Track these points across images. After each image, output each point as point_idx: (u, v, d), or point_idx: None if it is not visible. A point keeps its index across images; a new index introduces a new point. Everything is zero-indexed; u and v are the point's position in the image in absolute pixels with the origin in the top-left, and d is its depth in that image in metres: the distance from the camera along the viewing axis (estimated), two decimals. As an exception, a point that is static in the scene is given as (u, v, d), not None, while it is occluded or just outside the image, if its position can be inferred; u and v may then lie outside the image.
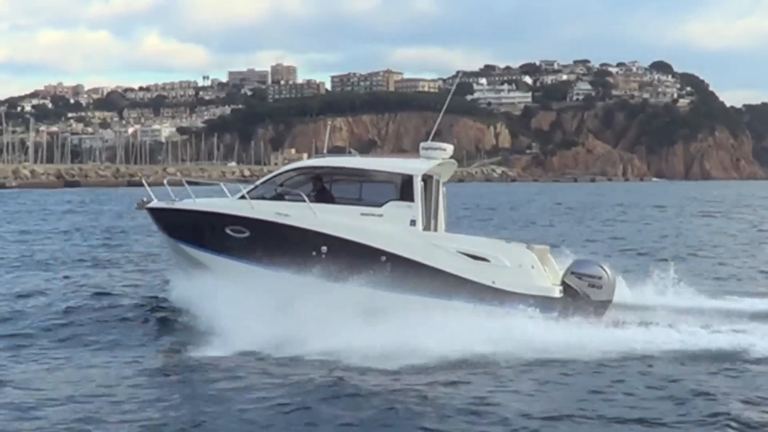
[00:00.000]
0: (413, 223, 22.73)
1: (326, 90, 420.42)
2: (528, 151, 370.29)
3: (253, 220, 23.22)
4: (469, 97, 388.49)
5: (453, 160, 25.29)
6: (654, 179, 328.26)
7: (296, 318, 20.27)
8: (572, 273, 22.83)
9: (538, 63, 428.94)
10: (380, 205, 23.08)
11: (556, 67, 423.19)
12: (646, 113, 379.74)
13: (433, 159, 23.80)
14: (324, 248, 22.56)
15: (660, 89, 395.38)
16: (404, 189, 23.04)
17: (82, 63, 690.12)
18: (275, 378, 17.84)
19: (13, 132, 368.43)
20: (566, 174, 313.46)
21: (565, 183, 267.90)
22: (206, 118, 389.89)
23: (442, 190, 24.94)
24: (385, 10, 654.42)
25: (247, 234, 23.26)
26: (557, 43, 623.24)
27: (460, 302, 21.62)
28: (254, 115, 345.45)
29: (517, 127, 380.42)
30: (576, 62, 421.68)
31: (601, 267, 23.07)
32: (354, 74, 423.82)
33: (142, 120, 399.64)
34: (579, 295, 22.52)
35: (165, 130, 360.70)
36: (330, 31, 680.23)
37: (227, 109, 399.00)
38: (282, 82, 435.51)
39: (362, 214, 23.00)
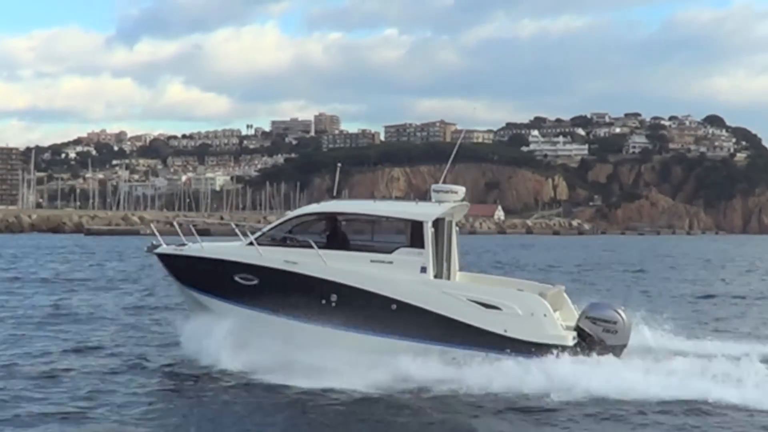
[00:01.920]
0: (424, 270, 22.21)
1: (380, 140, 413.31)
2: (591, 204, 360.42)
3: (262, 267, 22.75)
4: (524, 149, 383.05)
5: (466, 203, 24.75)
6: (719, 233, 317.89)
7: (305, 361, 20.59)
8: (587, 317, 22.39)
9: (589, 116, 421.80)
10: (390, 251, 22.60)
11: (607, 120, 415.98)
12: (703, 167, 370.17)
13: (445, 202, 23.27)
14: (333, 296, 22.12)
15: (716, 143, 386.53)
16: (414, 235, 22.53)
17: (104, 110, 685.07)
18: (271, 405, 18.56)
19: (60, 179, 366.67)
20: (630, 227, 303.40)
21: (631, 236, 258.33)
22: (259, 166, 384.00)
23: (455, 231, 24.38)
24: (409, 63, 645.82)
25: (255, 282, 22.83)
26: (580, 97, 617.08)
27: (472, 350, 21.30)
28: (309, 164, 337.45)
29: (574, 179, 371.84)
30: (627, 115, 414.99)
31: (617, 311, 22.59)
32: (410, 125, 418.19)
33: (190, 168, 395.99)
34: (594, 340, 22.03)
35: (219, 178, 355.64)
36: (353, 82, 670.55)
37: (280, 158, 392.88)
38: (336, 132, 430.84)
39: (372, 261, 22.45)
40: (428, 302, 21.79)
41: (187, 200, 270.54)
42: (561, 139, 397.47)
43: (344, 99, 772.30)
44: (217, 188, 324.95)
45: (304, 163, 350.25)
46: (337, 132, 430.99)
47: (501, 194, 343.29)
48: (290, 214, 25.28)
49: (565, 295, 24.15)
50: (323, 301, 22.13)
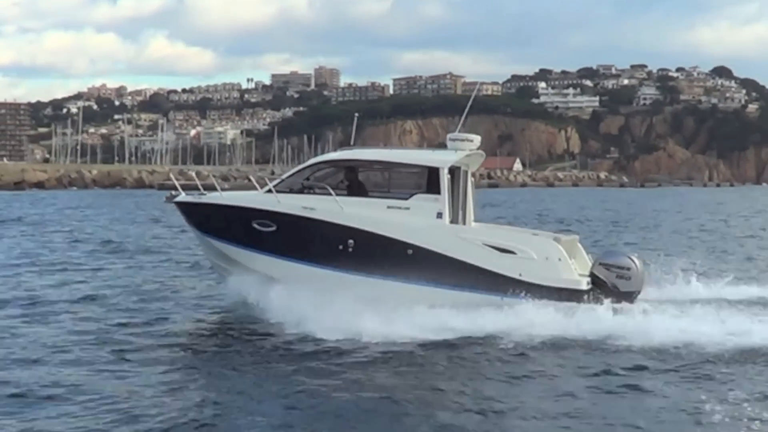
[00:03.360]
0: (440, 215, 22.08)
1: (390, 93, 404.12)
2: (608, 156, 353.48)
3: (280, 214, 22.52)
4: (535, 101, 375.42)
5: (481, 152, 24.21)
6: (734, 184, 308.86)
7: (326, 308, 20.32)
8: (600, 264, 22.39)
9: (594, 67, 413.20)
10: (407, 197, 22.43)
11: (614, 71, 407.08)
12: (715, 118, 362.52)
13: (461, 150, 22.99)
14: (351, 242, 21.87)
15: (728, 95, 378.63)
16: (431, 181, 22.31)
17: (88, 66, 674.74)
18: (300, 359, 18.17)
19: (63, 134, 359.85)
20: (649, 179, 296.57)
21: (651, 189, 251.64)
22: (268, 120, 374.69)
23: (470, 180, 24.22)
24: (393, 15, 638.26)
25: (273, 228, 22.58)
26: (567, 49, 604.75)
27: (487, 294, 21.08)
28: (320, 118, 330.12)
29: (586, 131, 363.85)
30: (633, 66, 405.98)
31: (630, 258, 22.58)
32: (420, 77, 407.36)
33: (195, 122, 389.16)
34: (607, 286, 21.94)
35: (229, 132, 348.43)
36: (336, 35, 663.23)
37: (288, 112, 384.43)
38: (345, 85, 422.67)
39: (389, 207, 22.32)
40: (444, 247, 21.71)
41: (196, 154, 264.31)
42: (571, 91, 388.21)
43: (328, 52, 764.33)
44: (227, 142, 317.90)
45: (314, 116, 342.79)
46: (345, 85, 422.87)
47: (514, 146, 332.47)
48: (308, 162, 24.82)
49: (579, 244, 23.93)
50: (340, 247, 21.99)
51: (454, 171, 22.80)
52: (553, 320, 20.00)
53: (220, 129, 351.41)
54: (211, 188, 24.81)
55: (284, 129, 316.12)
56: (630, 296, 22.09)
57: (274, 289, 21.68)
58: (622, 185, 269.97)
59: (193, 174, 28.00)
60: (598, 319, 20.14)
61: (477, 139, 23.60)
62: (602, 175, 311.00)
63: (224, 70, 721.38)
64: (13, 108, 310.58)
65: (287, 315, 20.79)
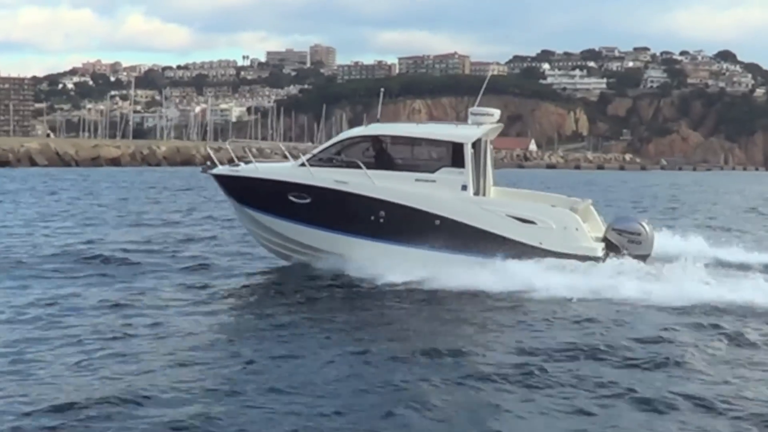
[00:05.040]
0: (464, 188, 23.04)
1: (397, 72, 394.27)
2: (621, 138, 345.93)
3: (314, 187, 23.42)
4: (542, 82, 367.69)
5: (500, 123, 25.45)
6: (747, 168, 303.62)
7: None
8: (613, 229, 23.49)
9: (597, 49, 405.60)
10: (433, 171, 23.32)
11: (617, 54, 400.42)
12: (723, 102, 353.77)
13: (483, 125, 24.18)
14: (382, 213, 22.99)
15: (735, 79, 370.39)
16: (455, 156, 23.20)
17: (63, 42, 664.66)
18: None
19: (60, 109, 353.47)
20: (660, 162, 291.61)
21: (671, 171, 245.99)
22: (273, 98, 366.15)
23: (489, 149, 25.18)
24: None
25: (308, 200, 23.51)
26: (546, 31, 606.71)
27: (511, 261, 21.78)
28: (327, 96, 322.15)
29: (594, 113, 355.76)
30: (637, 49, 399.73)
31: (641, 224, 23.83)
32: (428, 56, 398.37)
33: (194, 99, 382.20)
34: (620, 250, 22.80)
35: (235, 109, 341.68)
36: (313, 13, 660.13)
37: (293, 89, 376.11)
38: (351, 63, 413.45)
39: (416, 180, 23.23)
40: (469, 217, 22.70)
41: (203, 131, 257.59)
42: (578, 72, 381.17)
43: (304, 30, 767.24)
44: (233, 119, 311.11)
45: (320, 94, 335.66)
46: (351, 63, 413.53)
47: (524, 127, 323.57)
48: (338, 137, 25.74)
49: (592, 208, 25.28)
50: (372, 218, 23.02)
51: (476, 144, 23.64)
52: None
53: (224, 106, 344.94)
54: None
55: (290, 107, 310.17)
56: (641, 259, 22.75)
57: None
58: (643, 168, 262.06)
59: (230, 148, 28.67)
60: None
61: (497, 113, 25.05)
62: (627, 157, 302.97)
63: (200, 47, 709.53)
64: (17, 83, 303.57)
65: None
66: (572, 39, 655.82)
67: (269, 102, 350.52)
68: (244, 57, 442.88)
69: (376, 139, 24.18)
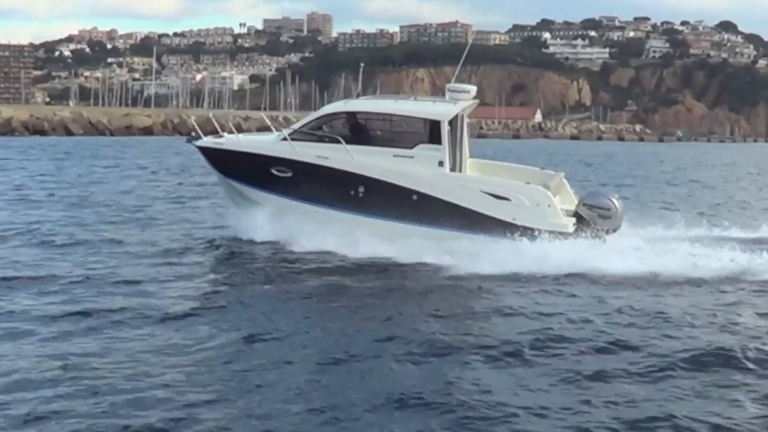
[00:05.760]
0: (441, 164, 23.53)
1: (399, 41, 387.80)
2: (626, 108, 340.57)
3: (296, 162, 24.05)
4: (545, 51, 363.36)
5: (476, 100, 25.92)
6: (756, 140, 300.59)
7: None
8: (584, 204, 24.03)
9: (598, 18, 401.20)
10: (411, 147, 23.82)
11: (617, 23, 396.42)
12: (726, 73, 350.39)
13: (460, 101, 24.69)
14: (361, 188, 23.44)
15: (737, 50, 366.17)
16: (432, 133, 23.70)
17: (49, 8, 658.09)
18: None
19: (58, 77, 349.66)
20: (667, 133, 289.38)
21: (671, 143, 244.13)
22: (274, 66, 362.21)
23: (466, 123, 25.80)
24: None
25: (290, 174, 24.09)
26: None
27: (484, 236, 22.37)
28: (329, 65, 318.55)
29: (597, 83, 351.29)
30: (637, 19, 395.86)
31: (611, 199, 24.26)
32: (430, 24, 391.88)
33: (194, 67, 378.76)
34: (590, 225, 23.34)
35: (237, 77, 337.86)
36: None
37: (293, 57, 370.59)
38: (353, 31, 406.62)
39: (394, 156, 23.71)
40: (446, 193, 23.24)
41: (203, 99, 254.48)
42: (579, 42, 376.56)
43: None
44: (235, 87, 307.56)
45: (321, 62, 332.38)
46: (353, 31, 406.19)
47: (528, 97, 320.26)
48: (318, 112, 26.07)
49: (564, 180, 25.89)
50: (352, 192, 23.55)
51: (452, 121, 24.13)
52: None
53: (225, 74, 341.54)
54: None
55: (292, 75, 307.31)
56: (610, 232, 23.61)
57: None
58: (661, 140, 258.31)
59: (214, 120, 28.66)
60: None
61: (473, 89, 25.43)
62: (637, 128, 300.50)
63: (188, 14, 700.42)
64: (17, 50, 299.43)
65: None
66: (569, 7, 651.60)
67: (270, 70, 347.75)
68: (240, 24, 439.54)
69: (355, 115, 24.79)
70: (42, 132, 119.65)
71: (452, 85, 25.31)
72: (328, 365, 13.35)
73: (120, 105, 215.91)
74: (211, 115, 30.22)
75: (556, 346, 14.71)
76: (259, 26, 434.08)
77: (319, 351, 14.07)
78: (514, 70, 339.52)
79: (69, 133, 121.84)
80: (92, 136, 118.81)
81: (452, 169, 24.09)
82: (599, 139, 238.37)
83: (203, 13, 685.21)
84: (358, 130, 24.45)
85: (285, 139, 24.44)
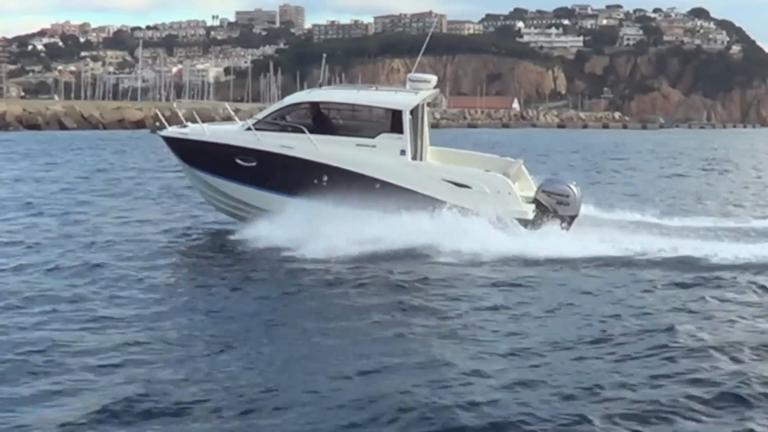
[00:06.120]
0: (403, 153, 23.96)
1: (374, 31, 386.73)
2: (602, 96, 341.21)
3: (260, 151, 24.24)
4: (519, 40, 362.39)
5: (437, 89, 26.79)
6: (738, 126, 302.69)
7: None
8: (543, 191, 24.39)
9: (570, 6, 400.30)
10: (373, 136, 24.13)
11: (590, 11, 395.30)
12: (700, 60, 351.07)
13: (421, 91, 25.28)
14: (325, 177, 23.71)
15: (710, 36, 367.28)
16: (394, 122, 24.13)
17: (19, 2, 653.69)
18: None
19: (32, 71, 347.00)
20: (643, 120, 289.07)
21: (655, 130, 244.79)
22: (249, 58, 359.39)
23: (426, 111, 26.29)
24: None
25: (254, 163, 24.27)
26: None
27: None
28: (305, 55, 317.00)
29: (572, 71, 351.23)
30: (609, 7, 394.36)
31: (569, 186, 24.58)
32: (404, 15, 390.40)
33: (170, 60, 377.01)
34: (549, 211, 23.86)
35: (212, 69, 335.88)
36: None
37: (268, 49, 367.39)
38: (327, 22, 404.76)
39: (357, 145, 24.02)
40: (408, 181, 23.68)
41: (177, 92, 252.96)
42: (554, 30, 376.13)
43: None
44: (211, 80, 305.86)
45: (297, 53, 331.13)
46: (328, 23, 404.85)
47: (504, 86, 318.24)
48: (282, 102, 26.63)
49: (523, 167, 26.46)
50: (315, 181, 23.78)
51: (414, 110, 24.48)
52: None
53: (200, 67, 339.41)
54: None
55: (266, 67, 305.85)
56: (568, 219, 24.08)
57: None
58: (644, 127, 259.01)
59: (178, 111, 29.49)
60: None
61: (434, 79, 25.97)
62: (616, 116, 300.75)
63: (158, 7, 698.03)
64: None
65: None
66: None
67: (245, 62, 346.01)
68: (213, 17, 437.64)
69: (318, 105, 25.02)
70: (36, 126, 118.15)
71: (413, 75, 25.77)
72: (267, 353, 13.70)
73: (101, 98, 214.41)
74: (175, 105, 31.53)
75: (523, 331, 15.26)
76: (232, 18, 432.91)
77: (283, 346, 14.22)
78: (490, 60, 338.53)
79: (63, 127, 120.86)
80: (87, 130, 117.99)
81: (414, 158, 24.46)
82: (585, 127, 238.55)
83: (173, 6, 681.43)
84: (321, 120, 24.74)
85: (249, 129, 24.65)
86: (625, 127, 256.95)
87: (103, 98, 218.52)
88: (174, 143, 25.75)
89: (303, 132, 23.93)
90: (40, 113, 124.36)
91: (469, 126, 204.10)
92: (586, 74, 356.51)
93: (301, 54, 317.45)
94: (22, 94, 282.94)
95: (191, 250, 23.64)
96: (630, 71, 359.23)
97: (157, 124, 26.93)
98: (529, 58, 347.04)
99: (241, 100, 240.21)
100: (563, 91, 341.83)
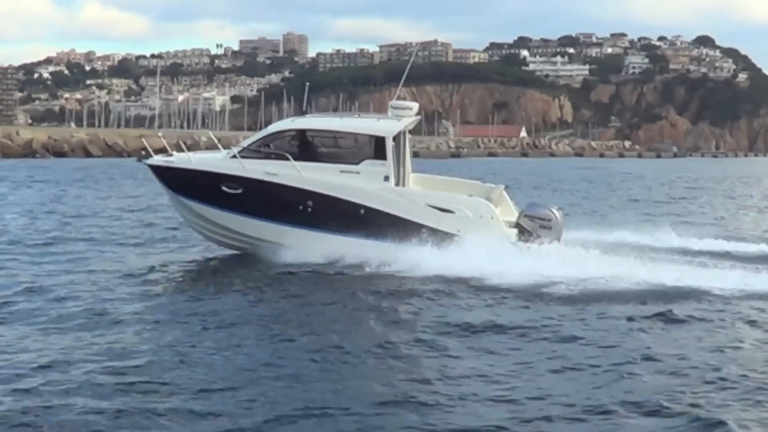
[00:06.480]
0: (387, 179, 24.06)
1: (379, 60, 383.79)
2: (610, 125, 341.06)
3: (246, 178, 24.31)
4: (525, 69, 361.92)
5: (418, 116, 26.60)
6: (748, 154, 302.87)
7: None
8: (526, 216, 24.54)
9: (575, 35, 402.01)
10: (357, 163, 24.30)
11: (594, 40, 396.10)
12: (706, 88, 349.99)
13: (403, 118, 25.30)
14: (310, 203, 23.92)
15: (717, 64, 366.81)
16: (378, 149, 24.26)
17: (22, 30, 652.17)
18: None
19: (38, 99, 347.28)
20: (653, 148, 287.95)
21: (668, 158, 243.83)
22: (255, 87, 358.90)
23: (408, 138, 26.17)
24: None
25: (240, 191, 24.35)
26: (505, 17, 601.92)
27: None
28: (311, 84, 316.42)
29: (578, 100, 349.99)
30: (614, 35, 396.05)
31: (551, 210, 24.80)
32: (410, 44, 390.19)
33: (178, 89, 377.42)
34: (532, 235, 23.84)
35: (218, 98, 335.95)
36: (268, 1, 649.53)
37: (274, 78, 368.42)
38: (333, 51, 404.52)
39: (341, 171, 24.19)
40: (392, 207, 23.79)
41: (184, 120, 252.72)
42: (559, 59, 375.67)
43: (261, 18, 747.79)
44: (216, 108, 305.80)
45: (302, 83, 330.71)
46: (333, 51, 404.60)
47: (510, 115, 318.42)
48: (266, 129, 26.81)
49: (504, 193, 26.36)
50: (300, 207, 23.96)
51: (396, 137, 24.66)
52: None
53: (207, 95, 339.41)
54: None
55: (273, 95, 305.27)
56: (551, 242, 23.80)
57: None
58: (658, 156, 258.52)
59: (163, 138, 30.19)
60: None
61: (416, 106, 26.14)
62: (626, 144, 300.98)
63: (157, 36, 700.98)
64: (1, 72, 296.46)
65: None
66: (544, 24, 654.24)
67: (251, 91, 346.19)
68: (217, 45, 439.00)
69: (302, 133, 25.21)
70: (62, 153, 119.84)
71: (395, 102, 25.84)
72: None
73: (107, 126, 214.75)
74: (160, 134, 31.93)
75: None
76: (236, 47, 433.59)
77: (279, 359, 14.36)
78: (496, 88, 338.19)
79: (88, 154, 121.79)
80: (110, 158, 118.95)
81: (397, 184, 24.66)
82: (601, 156, 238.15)
83: (172, 34, 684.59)
84: (306, 147, 24.90)
85: (234, 156, 24.76)
86: (640, 156, 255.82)
87: (118, 126, 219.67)
88: (160, 171, 25.75)
89: (287, 159, 24.11)
90: (66, 141, 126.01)
91: (490, 155, 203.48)
92: (592, 102, 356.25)
93: (308, 83, 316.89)
94: (30, 121, 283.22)
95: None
96: (636, 100, 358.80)
97: (143, 153, 27.62)
98: (535, 86, 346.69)
99: (255, 128, 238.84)
100: (569, 120, 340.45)
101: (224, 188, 24.44)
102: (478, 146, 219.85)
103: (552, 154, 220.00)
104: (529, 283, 20.50)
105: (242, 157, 24.57)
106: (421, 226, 23.31)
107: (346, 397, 12.23)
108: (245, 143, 25.58)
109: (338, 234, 23.45)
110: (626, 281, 20.32)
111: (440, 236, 23.17)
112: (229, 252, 25.69)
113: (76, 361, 13.88)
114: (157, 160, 26.02)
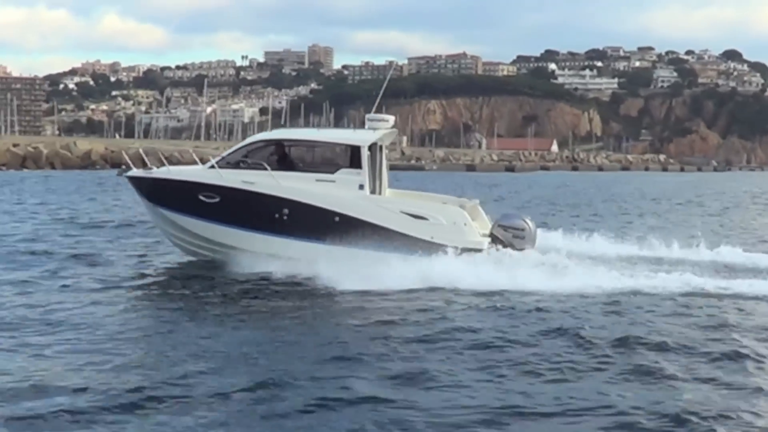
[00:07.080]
0: (362, 187, 24.29)
1: (409, 72, 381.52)
2: (641, 138, 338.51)
3: (223, 187, 24.57)
4: (554, 82, 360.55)
5: (394, 129, 27.04)
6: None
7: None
8: (499, 226, 24.94)
9: (602, 48, 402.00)
10: (333, 172, 24.61)
11: (621, 53, 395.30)
12: (735, 102, 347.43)
13: (378, 129, 25.55)
14: (286, 211, 24.13)
15: (745, 78, 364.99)
16: (353, 158, 24.54)
17: (40, 42, 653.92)
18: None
19: (64, 110, 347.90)
20: (691, 162, 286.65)
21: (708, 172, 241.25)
22: (284, 99, 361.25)
23: (385, 153, 26.53)
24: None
25: (217, 199, 24.59)
26: (524, 30, 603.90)
27: (403, 254, 22.79)
28: (339, 96, 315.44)
29: (607, 113, 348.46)
30: (641, 49, 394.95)
31: (524, 220, 25.29)
32: (440, 56, 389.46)
33: (205, 100, 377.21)
34: (505, 245, 24.24)
35: (247, 110, 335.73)
36: (288, 13, 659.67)
37: (302, 90, 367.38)
38: (362, 63, 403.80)
39: (317, 180, 24.51)
40: (366, 214, 23.93)
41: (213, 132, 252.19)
42: (588, 72, 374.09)
43: (279, 30, 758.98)
44: (246, 119, 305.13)
45: (332, 94, 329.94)
46: (362, 64, 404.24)
47: (540, 128, 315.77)
48: (244, 141, 27.07)
49: (479, 207, 26.54)
50: (276, 215, 24.16)
51: (372, 148, 24.95)
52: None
53: (235, 107, 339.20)
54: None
55: (302, 107, 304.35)
56: (524, 252, 24.16)
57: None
58: (699, 169, 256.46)
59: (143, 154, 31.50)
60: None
61: (391, 119, 26.34)
62: (660, 158, 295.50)
63: (176, 47, 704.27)
64: (29, 83, 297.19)
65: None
66: (570, 37, 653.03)
67: (280, 103, 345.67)
68: (243, 57, 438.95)
69: (279, 143, 25.46)
70: (120, 165, 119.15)
71: (371, 115, 25.96)
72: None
73: (156, 138, 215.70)
74: (141, 150, 32.68)
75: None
76: (261, 59, 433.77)
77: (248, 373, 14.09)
78: (525, 102, 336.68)
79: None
80: None
81: (372, 193, 24.82)
82: (647, 169, 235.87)
83: (191, 46, 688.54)
84: (283, 158, 25.09)
85: (213, 167, 25.00)
86: (682, 169, 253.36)
87: (146, 136, 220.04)
88: (138, 182, 26.10)
89: (265, 169, 24.36)
90: (106, 155, 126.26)
91: (542, 168, 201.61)
92: (621, 116, 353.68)
93: (337, 95, 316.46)
94: (57, 132, 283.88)
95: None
96: (665, 113, 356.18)
97: (123, 166, 27.81)
98: (564, 99, 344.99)
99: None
100: (599, 133, 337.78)
101: (201, 197, 24.67)
102: (519, 159, 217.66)
103: (600, 168, 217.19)
104: (498, 290, 20.79)
105: (220, 167, 24.85)
106: (396, 232, 23.57)
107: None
108: (224, 154, 26.03)
109: (313, 241, 23.63)
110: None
111: (413, 243, 23.34)
112: (206, 262, 25.52)
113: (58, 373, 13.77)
114: (137, 172, 26.37)
